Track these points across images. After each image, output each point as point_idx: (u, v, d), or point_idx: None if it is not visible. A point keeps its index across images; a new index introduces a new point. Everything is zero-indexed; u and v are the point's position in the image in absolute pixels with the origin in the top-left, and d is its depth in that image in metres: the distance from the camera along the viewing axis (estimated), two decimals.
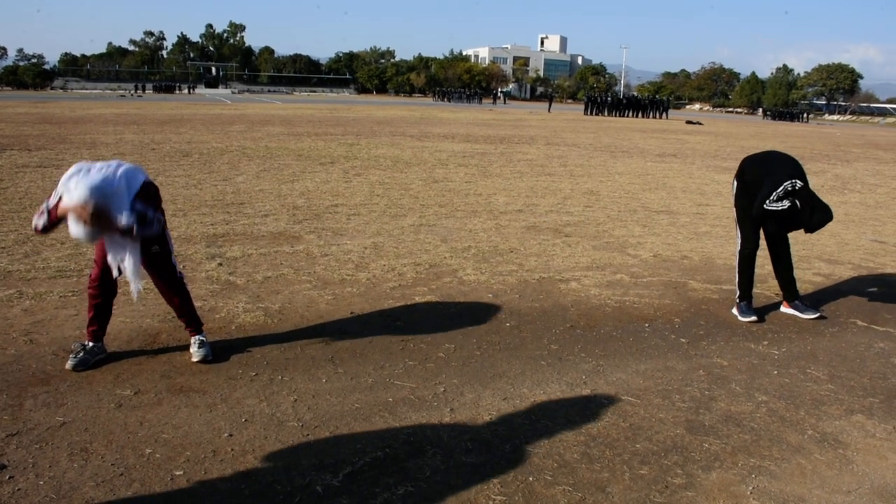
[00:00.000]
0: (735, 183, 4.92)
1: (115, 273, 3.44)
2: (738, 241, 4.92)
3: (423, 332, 4.23)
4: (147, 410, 3.10)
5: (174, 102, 40.98)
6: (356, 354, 3.84)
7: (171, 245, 3.64)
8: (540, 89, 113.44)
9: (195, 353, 3.64)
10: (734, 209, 4.93)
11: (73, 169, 3.17)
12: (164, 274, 3.60)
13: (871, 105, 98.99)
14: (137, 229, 3.22)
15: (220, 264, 5.46)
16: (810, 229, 4.56)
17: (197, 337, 3.71)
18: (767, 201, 4.55)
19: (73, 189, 3.07)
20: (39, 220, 3.21)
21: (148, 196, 3.35)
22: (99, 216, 3.08)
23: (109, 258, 3.36)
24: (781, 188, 4.52)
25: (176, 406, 3.16)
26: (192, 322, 3.74)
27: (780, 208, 4.54)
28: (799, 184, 4.52)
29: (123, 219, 3.15)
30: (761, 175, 4.71)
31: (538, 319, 4.56)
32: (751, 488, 2.73)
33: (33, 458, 2.68)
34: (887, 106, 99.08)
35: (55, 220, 3.20)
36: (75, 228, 3.12)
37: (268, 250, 5.96)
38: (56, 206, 3.17)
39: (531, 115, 41.41)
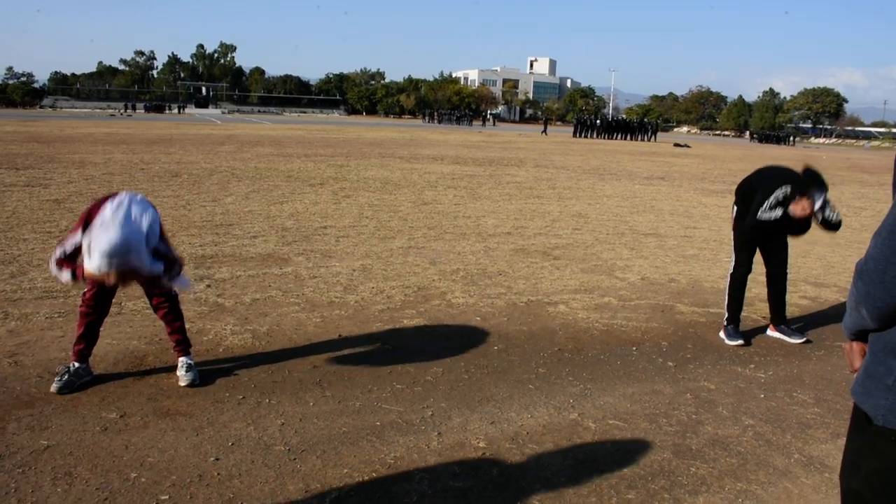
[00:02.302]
0: (734, 208, 4.91)
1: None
2: (732, 263, 4.92)
3: (411, 355, 4.23)
4: (133, 434, 3.08)
5: (164, 122, 40.99)
6: (344, 377, 3.83)
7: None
8: (529, 111, 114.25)
9: (182, 376, 3.62)
10: (733, 232, 4.93)
11: (97, 220, 3.08)
12: (157, 291, 3.59)
13: (856, 129, 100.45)
14: (166, 277, 3.33)
15: (209, 286, 5.44)
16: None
17: (184, 359, 3.69)
18: (760, 211, 4.53)
19: (94, 253, 2.99)
20: (62, 275, 3.26)
21: (162, 232, 3.38)
22: (124, 276, 3.09)
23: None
24: (773, 197, 4.48)
25: (162, 429, 3.13)
26: (182, 343, 3.73)
27: (772, 218, 4.51)
28: (790, 189, 4.44)
29: (149, 267, 3.17)
30: (754, 189, 4.70)
31: (526, 343, 4.57)
32: None
33: (16, 483, 2.65)
34: (872, 129, 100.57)
35: (82, 277, 3.23)
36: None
37: (256, 272, 5.95)
38: (82, 268, 3.16)
39: (520, 137, 41.70)
